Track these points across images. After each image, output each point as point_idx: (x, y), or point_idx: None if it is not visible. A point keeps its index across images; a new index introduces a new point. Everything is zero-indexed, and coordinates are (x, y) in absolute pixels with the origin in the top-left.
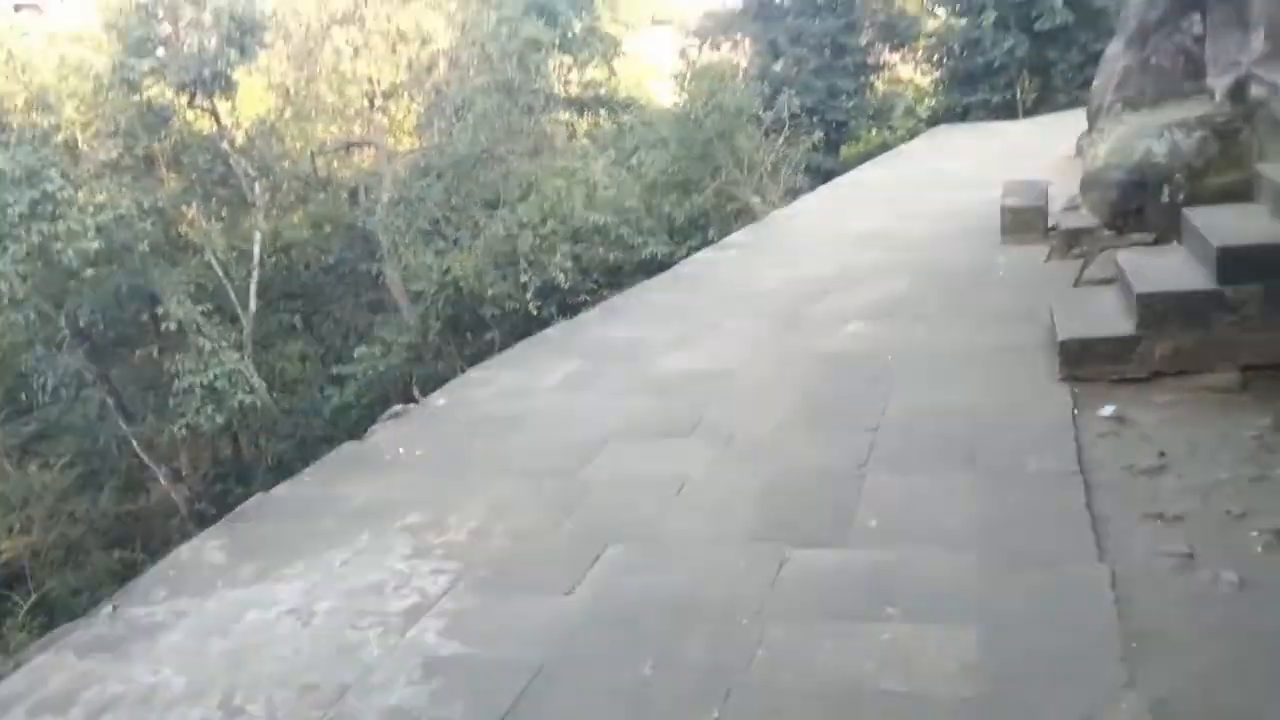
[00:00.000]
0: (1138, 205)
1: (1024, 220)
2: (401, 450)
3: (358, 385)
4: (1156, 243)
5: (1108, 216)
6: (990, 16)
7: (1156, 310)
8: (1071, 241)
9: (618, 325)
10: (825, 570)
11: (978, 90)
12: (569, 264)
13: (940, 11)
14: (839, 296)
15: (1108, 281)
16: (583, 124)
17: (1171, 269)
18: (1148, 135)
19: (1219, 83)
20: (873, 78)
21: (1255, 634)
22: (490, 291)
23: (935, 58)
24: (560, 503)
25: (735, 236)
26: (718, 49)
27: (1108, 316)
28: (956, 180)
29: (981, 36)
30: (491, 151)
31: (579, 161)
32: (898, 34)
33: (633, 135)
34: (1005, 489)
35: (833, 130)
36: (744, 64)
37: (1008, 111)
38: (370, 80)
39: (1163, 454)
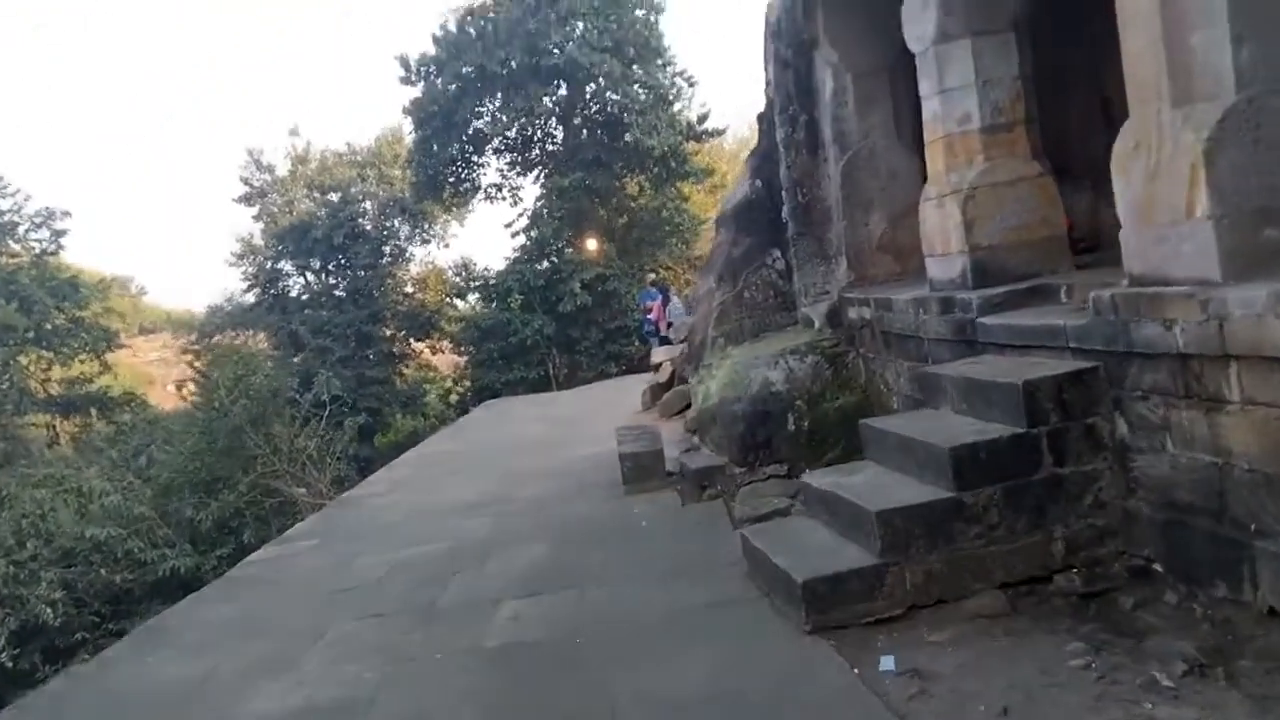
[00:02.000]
0: (765, 437)
1: (644, 467)
2: None
3: None
4: (790, 474)
5: (736, 452)
6: (517, 300)
7: (900, 530)
8: (703, 482)
9: (166, 657)
10: None
11: (513, 369)
12: (58, 594)
13: (463, 302)
14: (472, 575)
15: (765, 518)
16: (69, 427)
17: (886, 487)
18: (760, 365)
19: (815, 310)
20: (401, 366)
21: None
22: None
23: (465, 342)
24: None
25: (304, 526)
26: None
27: (832, 549)
28: (539, 444)
29: (511, 319)
30: None
31: (68, 469)
32: (420, 324)
33: (136, 434)
34: None
35: (365, 419)
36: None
37: (543, 386)
38: None
39: (1006, 711)
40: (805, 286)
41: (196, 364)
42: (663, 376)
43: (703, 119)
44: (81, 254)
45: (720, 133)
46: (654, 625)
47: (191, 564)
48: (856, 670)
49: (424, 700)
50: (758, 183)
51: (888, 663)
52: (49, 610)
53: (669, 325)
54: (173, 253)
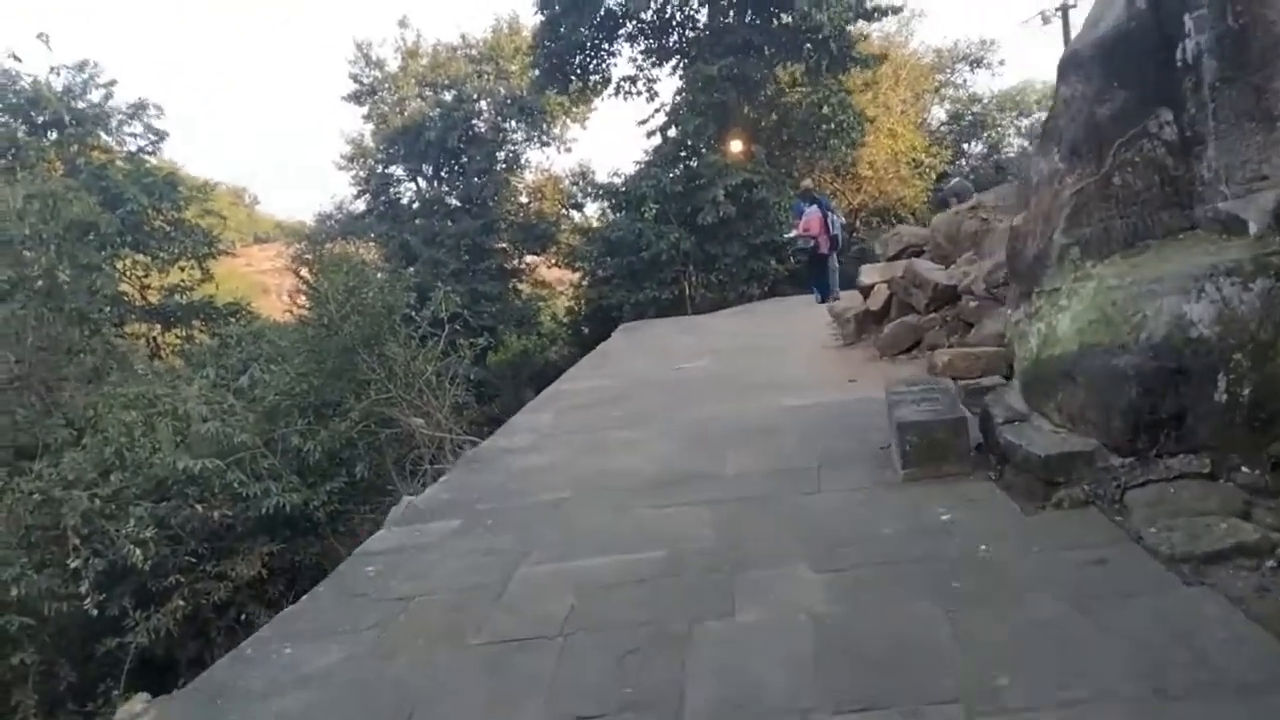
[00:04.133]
0: (1175, 410)
1: (937, 443)
2: None
3: None
4: (1214, 473)
5: (1119, 432)
6: (651, 210)
7: None
8: (1054, 476)
9: None
10: None
11: (642, 288)
12: (149, 533)
13: (580, 214)
14: (723, 636)
15: (1222, 556)
16: (170, 338)
17: None
18: (1165, 292)
19: (1250, 205)
20: (515, 282)
21: None
22: (15, 591)
23: (587, 257)
24: None
25: (436, 494)
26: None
27: None
28: (714, 384)
29: (644, 230)
30: (26, 379)
31: (165, 386)
32: (536, 236)
33: (240, 350)
34: None
35: (486, 339)
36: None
37: (676, 309)
38: None
39: None
40: (1225, 167)
41: (304, 274)
42: (875, 303)
43: None
44: (192, 166)
45: (897, 10)
46: None
47: (299, 499)
48: None
49: None
50: (1137, 2)
51: None
52: (137, 552)
53: (831, 240)
54: (286, 162)
